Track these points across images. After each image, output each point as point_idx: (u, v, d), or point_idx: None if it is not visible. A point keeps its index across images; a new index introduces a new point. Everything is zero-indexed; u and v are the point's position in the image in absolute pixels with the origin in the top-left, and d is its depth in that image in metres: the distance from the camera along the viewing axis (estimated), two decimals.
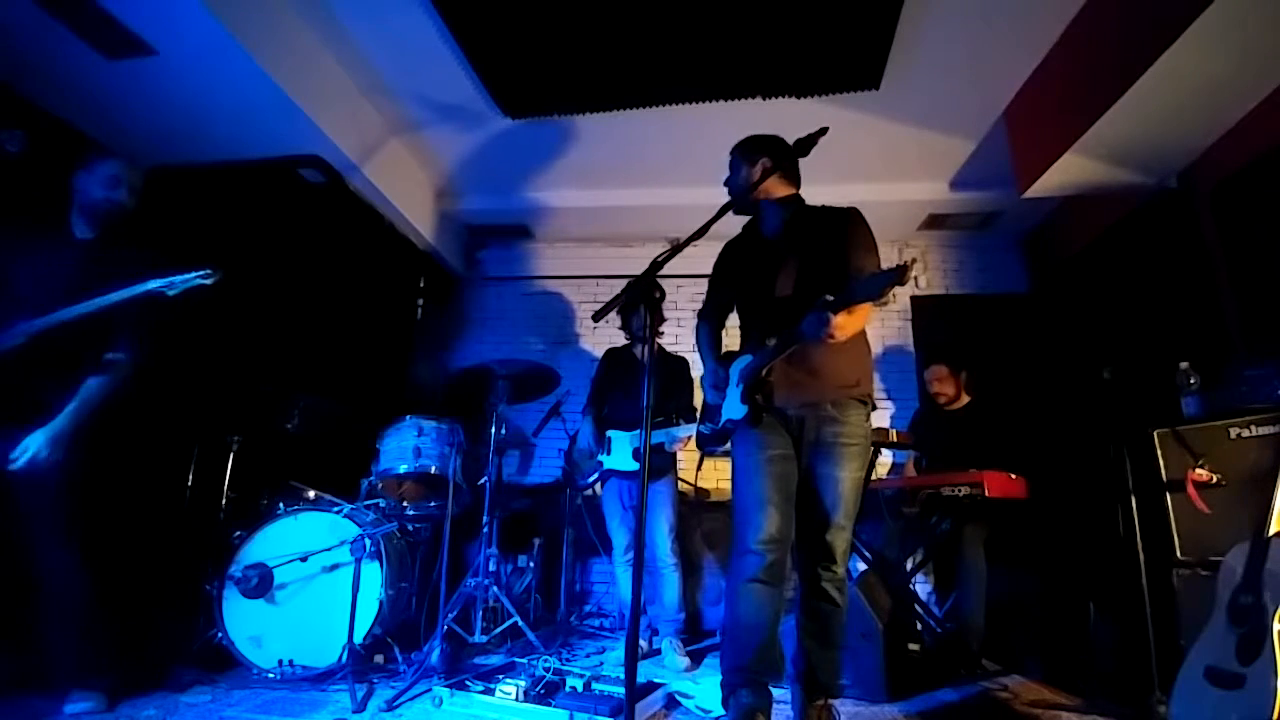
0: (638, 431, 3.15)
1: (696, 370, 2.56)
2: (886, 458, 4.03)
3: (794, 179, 2.11)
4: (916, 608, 3.10)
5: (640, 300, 1.72)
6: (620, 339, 3.50)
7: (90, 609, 2.07)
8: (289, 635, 2.49)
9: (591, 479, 3.32)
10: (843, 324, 1.73)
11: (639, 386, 3.18)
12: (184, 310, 2.25)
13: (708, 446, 2.25)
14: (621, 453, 3.17)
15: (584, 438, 3.33)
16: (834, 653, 1.94)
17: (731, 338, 2.20)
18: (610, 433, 3.25)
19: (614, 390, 3.35)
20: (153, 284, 2.02)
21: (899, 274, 1.54)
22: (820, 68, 3.10)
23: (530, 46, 3.00)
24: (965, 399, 3.54)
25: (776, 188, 2.07)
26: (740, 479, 1.97)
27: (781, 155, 2.02)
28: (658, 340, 3.35)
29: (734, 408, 2.02)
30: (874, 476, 3.13)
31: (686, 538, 3.71)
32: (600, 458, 3.24)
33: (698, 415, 2.41)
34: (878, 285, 1.61)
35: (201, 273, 2.06)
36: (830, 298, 1.71)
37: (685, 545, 3.38)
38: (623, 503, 3.20)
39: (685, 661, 2.90)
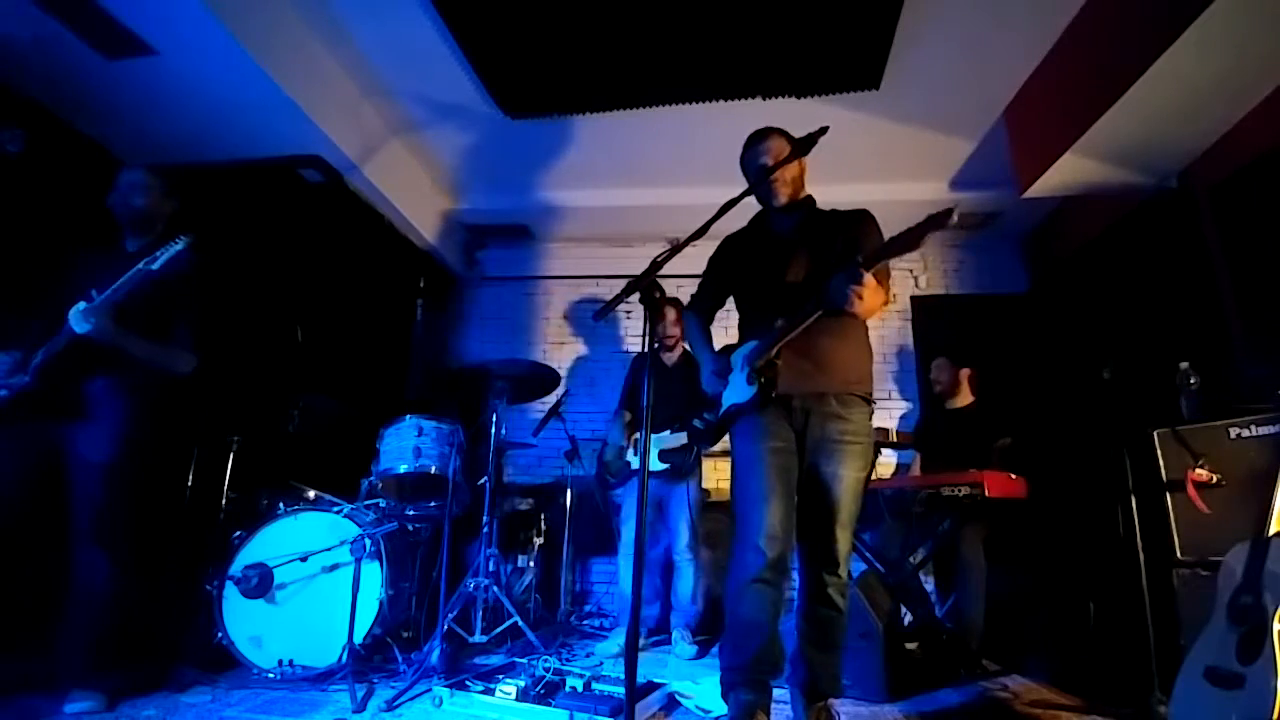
0: (666, 433, 3.22)
1: None
2: (890, 458, 4.03)
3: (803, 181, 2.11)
4: (918, 610, 3.09)
5: (641, 301, 1.70)
6: (621, 339, 3.52)
7: (111, 613, 2.09)
8: (289, 635, 2.49)
9: (621, 480, 3.38)
10: (871, 287, 1.67)
11: (666, 391, 3.21)
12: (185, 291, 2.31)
13: (703, 443, 2.22)
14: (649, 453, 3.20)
15: (614, 436, 3.38)
16: (835, 657, 1.93)
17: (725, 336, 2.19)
18: (638, 434, 3.29)
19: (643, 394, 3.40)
20: (139, 266, 2.05)
21: (942, 218, 1.47)
22: (820, 68, 3.10)
23: (530, 46, 2.99)
24: (969, 398, 3.53)
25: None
26: (742, 470, 1.94)
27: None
28: (685, 346, 3.39)
29: (739, 391, 1.97)
30: (875, 476, 3.13)
31: None
32: (629, 458, 3.31)
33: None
34: (917, 234, 1.53)
35: (179, 243, 2.08)
36: (860, 257, 1.65)
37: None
38: (651, 500, 3.26)
39: (694, 649, 3.02)
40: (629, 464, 3.29)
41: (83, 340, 2.04)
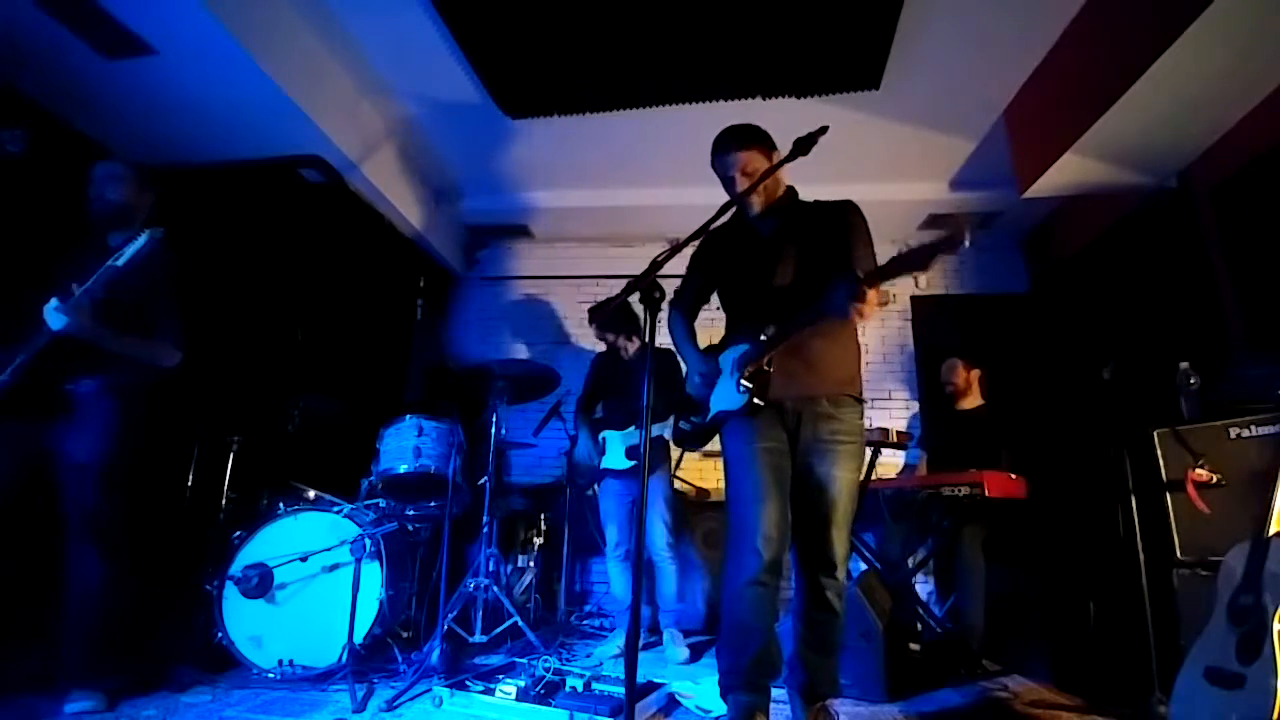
0: (631, 429, 3.18)
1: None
2: (894, 458, 4.01)
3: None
4: (918, 608, 3.10)
5: (642, 301, 1.68)
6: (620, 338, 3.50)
7: (107, 612, 2.09)
8: (289, 635, 2.49)
9: (591, 480, 3.36)
10: (872, 301, 1.63)
11: (629, 387, 3.19)
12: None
13: (689, 445, 2.19)
14: (615, 452, 3.20)
15: (582, 447, 3.33)
16: (833, 659, 1.91)
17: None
18: (604, 433, 3.28)
19: (606, 392, 3.40)
20: (108, 262, 2.04)
21: (954, 242, 1.41)
22: (820, 68, 3.10)
23: (530, 47, 2.99)
24: (978, 400, 3.53)
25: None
26: (735, 471, 1.91)
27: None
28: (639, 339, 3.32)
29: (729, 398, 1.94)
30: (876, 476, 3.13)
31: (687, 539, 3.74)
32: (596, 459, 3.28)
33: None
34: (927, 255, 1.47)
35: (142, 236, 2.07)
36: (861, 273, 1.61)
37: (686, 541, 3.41)
38: (618, 500, 3.23)
39: (685, 653, 2.98)
40: (597, 464, 3.27)
41: (63, 338, 2.02)
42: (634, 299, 1.68)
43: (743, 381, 1.89)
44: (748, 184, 1.91)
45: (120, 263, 2.04)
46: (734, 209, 2.01)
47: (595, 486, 3.44)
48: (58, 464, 2.12)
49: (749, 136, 1.96)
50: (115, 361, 2.16)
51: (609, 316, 3.23)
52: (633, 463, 3.14)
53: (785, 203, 2.04)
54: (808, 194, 2.10)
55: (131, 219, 2.31)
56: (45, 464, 2.11)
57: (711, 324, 2.18)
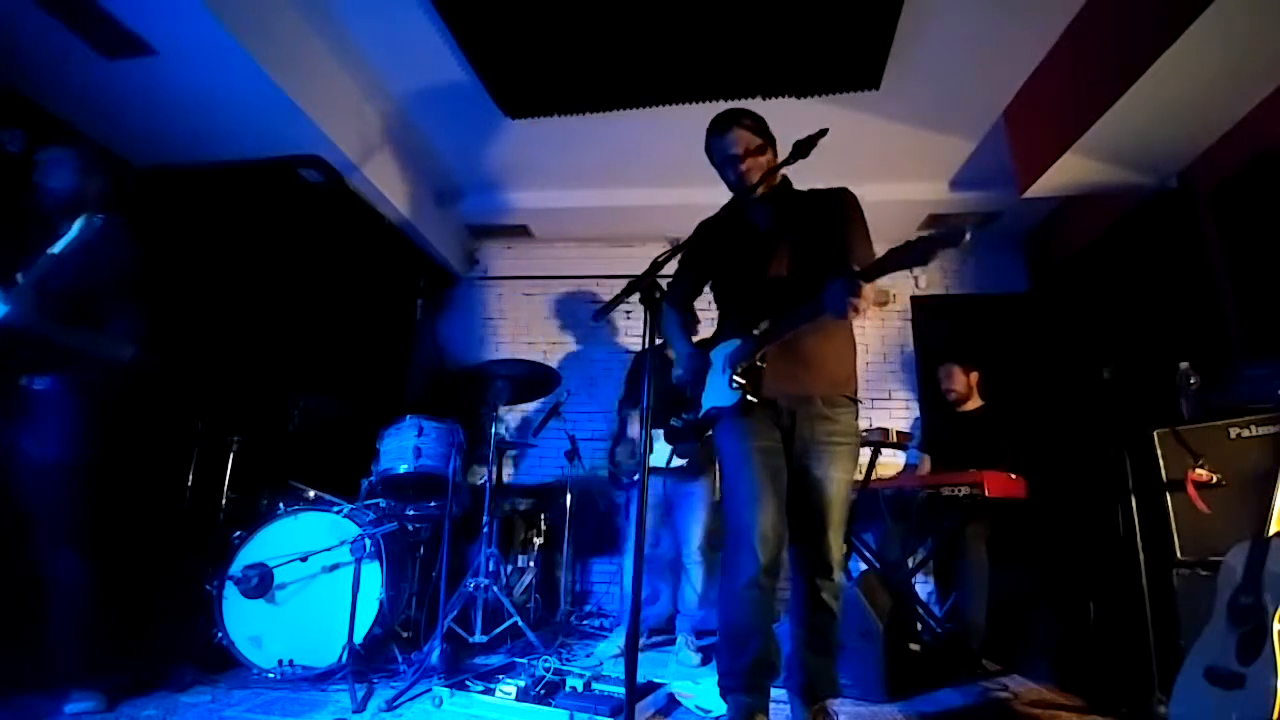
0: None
1: None
2: (894, 459, 4.01)
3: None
4: (918, 608, 3.10)
5: (642, 301, 1.68)
6: (620, 339, 3.50)
7: (93, 608, 2.08)
8: (289, 635, 2.49)
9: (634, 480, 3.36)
10: (870, 297, 1.58)
11: (672, 386, 3.20)
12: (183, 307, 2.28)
13: (680, 442, 2.17)
14: (661, 452, 3.18)
15: (625, 445, 3.29)
16: (831, 659, 1.91)
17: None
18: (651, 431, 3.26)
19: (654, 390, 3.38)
20: (46, 252, 2.01)
21: (955, 236, 1.36)
22: (820, 68, 3.10)
23: (530, 47, 2.99)
24: (978, 401, 3.53)
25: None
26: (730, 469, 1.89)
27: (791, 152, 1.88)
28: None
29: (721, 394, 1.91)
30: (876, 476, 3.13)
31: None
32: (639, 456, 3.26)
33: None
34: (926, 249, 1.41)
35: (80, 224, 2.04)
36: (857, 267, 1.56)
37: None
38: (656, 499, 3.21)
39: (697, 658, 2.96)
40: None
41: (10, 331, 1.96)
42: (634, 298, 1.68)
43: (735, 378, 1.85)
44: (749, 163, 1.88)
45: (56, 251, 2.00)
46: (729, 202, 2.01)
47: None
48: (17, 463, 2.07)
49: (747, 115, 1.93)
50: (71, 357, 2.10)
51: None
52: (683, 461, 3.10)
53: (781, 192, 2.00)
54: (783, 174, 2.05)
55: (80, 206, 2.20)
56: (4, 463, 2.07)
57: (713, 324, 2.18)
